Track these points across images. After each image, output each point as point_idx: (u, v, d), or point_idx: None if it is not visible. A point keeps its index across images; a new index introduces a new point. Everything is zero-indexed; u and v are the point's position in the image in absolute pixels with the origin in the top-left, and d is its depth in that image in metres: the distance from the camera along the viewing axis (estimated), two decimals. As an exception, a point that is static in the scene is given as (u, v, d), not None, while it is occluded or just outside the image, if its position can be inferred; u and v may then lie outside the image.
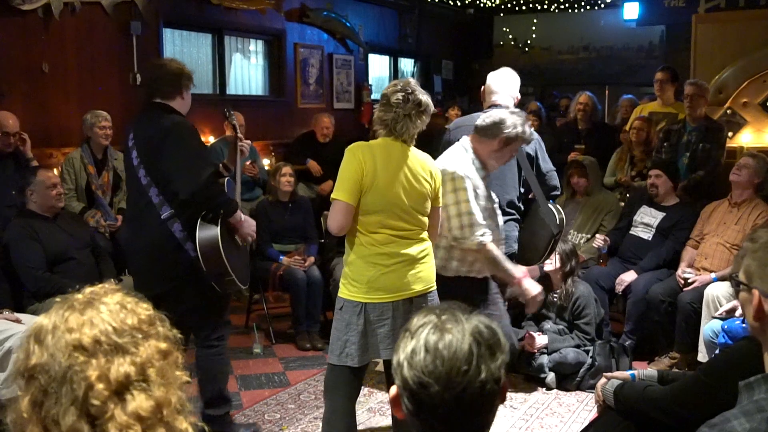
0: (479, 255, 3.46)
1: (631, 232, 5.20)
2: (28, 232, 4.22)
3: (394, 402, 1.36)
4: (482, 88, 4.22)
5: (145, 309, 1.30)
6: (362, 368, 3.10)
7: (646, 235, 5.14)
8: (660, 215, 5.13)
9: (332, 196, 2.97)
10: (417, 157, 3.05)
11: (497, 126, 3.42)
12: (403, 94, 2.93)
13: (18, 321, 3.76)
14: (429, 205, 3.08)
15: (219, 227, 3.34)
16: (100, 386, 1.18)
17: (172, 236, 3.33)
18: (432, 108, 3.04)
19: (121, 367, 1.20)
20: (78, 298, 1.28)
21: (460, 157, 3.48)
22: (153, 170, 3.35)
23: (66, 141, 5.86)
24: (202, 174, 3.26)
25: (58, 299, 1.31)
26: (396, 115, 2.94)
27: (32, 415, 1.20)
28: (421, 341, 1.30)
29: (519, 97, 4.15)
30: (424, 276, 3.07)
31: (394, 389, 1.35)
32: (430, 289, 3.11)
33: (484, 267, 3.54)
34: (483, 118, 3.51)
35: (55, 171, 5.00)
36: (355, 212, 2.95)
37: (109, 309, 1.26)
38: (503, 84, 4.10)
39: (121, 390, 1.19)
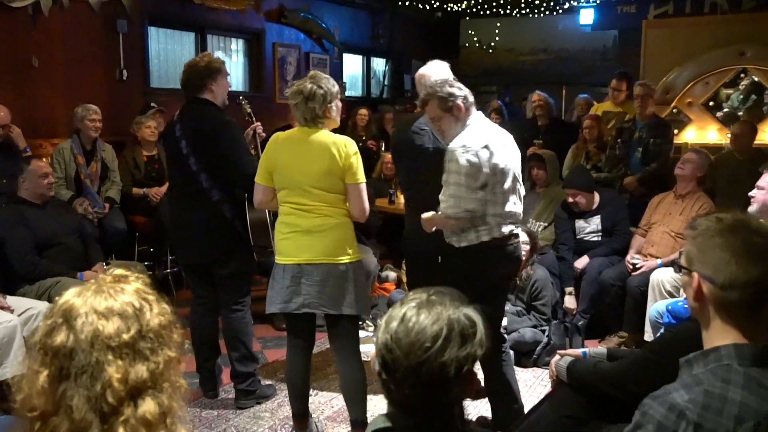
0: None
1: (579, 237, 5.13)
2: (18, 218, 4.16)
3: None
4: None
5: (166, 310, 1.30)
6: (310, 316, 3.27)
7: (596, 237, 5.11)
8: (596, 219, 5.09)
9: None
10: (322, 140, 3.10)
11: None
12: (296, 87, 3.14)
13: (9, 310, 3.69)
14: (334, 181, 3.10)
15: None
16: (118, 387, 1.17)
17: (224, 215, 3.63)
18: (325, 92, 3.10)
19: (141, 372, 1.20)
20: (107, 281, 1.27)
21: None
22: (204, 159, 3.59)
23: (53, 132, 5.77)
24: (253, 165, 3.48)
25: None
26: (292, 105, 3.15)
27: (48, 391, 1.18)
28: (402, 312, 1.39)
29: None
30: (317, 247, 3.12)
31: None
32: (322, 261, 3.12)
33: None
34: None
35: (45, 160, 4.92)
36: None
37: (137, 302, 1.25)
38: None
39: (135, 393, 1.19)
